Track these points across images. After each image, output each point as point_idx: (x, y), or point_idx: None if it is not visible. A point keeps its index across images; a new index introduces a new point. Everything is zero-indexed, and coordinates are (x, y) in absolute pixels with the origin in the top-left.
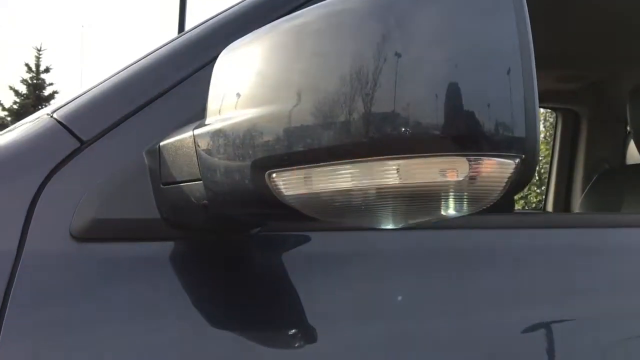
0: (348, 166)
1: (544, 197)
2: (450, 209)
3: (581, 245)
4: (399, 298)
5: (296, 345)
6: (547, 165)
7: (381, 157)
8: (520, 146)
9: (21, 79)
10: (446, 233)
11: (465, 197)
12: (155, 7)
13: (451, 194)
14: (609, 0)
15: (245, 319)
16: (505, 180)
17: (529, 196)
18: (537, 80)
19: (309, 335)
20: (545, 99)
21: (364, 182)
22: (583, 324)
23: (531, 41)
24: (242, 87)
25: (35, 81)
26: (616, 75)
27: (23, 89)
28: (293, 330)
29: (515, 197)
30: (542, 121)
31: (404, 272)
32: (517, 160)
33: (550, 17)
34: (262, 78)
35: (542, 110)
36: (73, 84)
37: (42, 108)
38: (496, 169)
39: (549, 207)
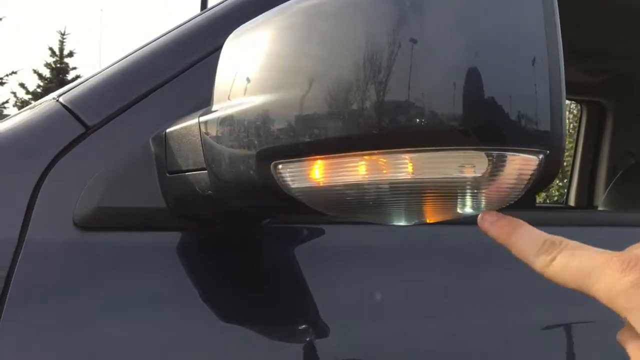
0: (358, 158)
1: (566, 190)
2: (467, 207)
3: (604, 244)
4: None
5: (307, 339)
6: (570, 158)
7: (394, 150)
8: (544, 141)
9: (45, 62)
10: (463, 228)
11: (483, 194)
12: None
13: (468, 191)
14: None
15: (252, 312)
16: (528, 177)
17: (551, 189)
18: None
19: (319, 329)
20: (570, 91)
21: (375, 176)
22: (603, 325)
23: (559, 29)
24: (250, 72)
25: (58, 65)
26: None
27: (47, 72)
28: (303, 325)
29: None
30: (567, 113)
31: (419, 266)
32: (541, 157)
33: (577, 8)
34: (270, 63)
35: (566, 102)
36: (94, 67)
37: None
38: (518, 165)
39: (572, 202)
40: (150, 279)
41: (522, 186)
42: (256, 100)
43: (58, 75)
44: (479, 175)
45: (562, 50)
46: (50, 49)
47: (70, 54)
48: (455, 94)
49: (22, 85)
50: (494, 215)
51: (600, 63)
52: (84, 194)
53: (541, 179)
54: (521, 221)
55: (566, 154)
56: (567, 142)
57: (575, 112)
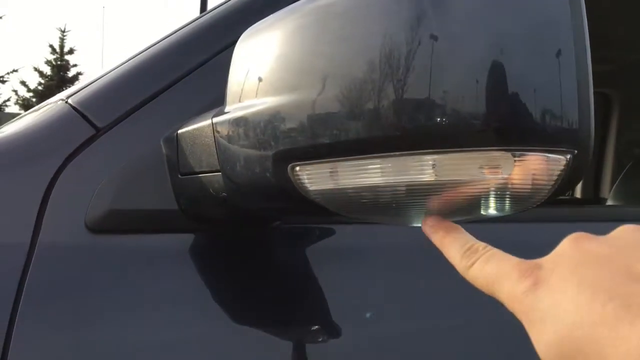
0: (379, 160)
1: None
2: (491, 209)
3: None
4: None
5: (319, 339)
6: None
7: (416, 152)
8: (572, 140)
9: (45, 60)
10: (475, 226)
11: (508, 196)
12: None
13: (492, 192)
14: None
15: (265, 313)
16: (555, 178)
17: None
18: None
19: (332, 329)
20: None
21: (396, 178)
22: None
23: (585, 20)
24: (264, 72)
25: (59, 62)
26: None
27: (47, 70)
28: (316, 325)
29: None
30: None
31: (433, 266)
32: (569, 156)
33: None
34: (285, 63)
35: None
36: (96, 64)
37: (66, 89)
38: (545, 165)
39: (578, 193)
40: (163, 281)
41: (550, 187)
42: (271, 100)
43: (59, 72)
44: (505, 176)
45: (588, 43)
46: (51, 46)
47: (71, 51)
48: (479, 91)
49: (23, 83)
50: (433, 219)
51: (604, 53)
52: (95, 197)
53: (569, 179)
54: (456, 226)
55: None
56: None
57: None
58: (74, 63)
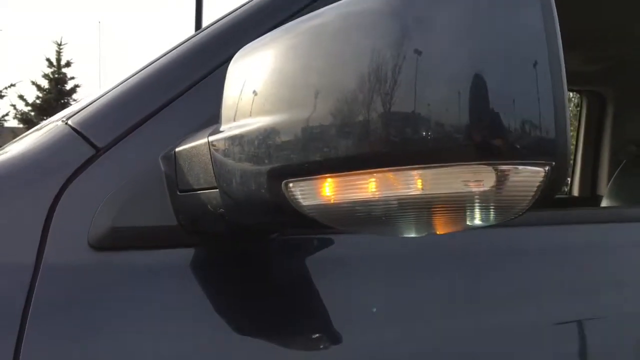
0: (368, 176)
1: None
2: (476, 219)
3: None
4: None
5: (320, 347)
6: (573, 147)
7: (403, 167)
8: (550, 152)
9: (43, 73)
10: (471, 233)
11: (492, 207)
12: (172, 6)
13: (477, 204)
14: None
15: (266, 325)
16: (535, 189)
17: None
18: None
19: (333, 339)
20: (569, 81)
21: (385, 193)
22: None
23: (559, 34)
24: (259, 89)
25: (56, 75)
26: None
27: (45, 83)
28: (317, 334)
29: None
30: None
31: (430, 274)
32: (547, 168)
33: None
34: (278, 80)
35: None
36: (93, 77)
37: (64, 102)
38: (525, 177)
39: (575, 191)
40: (165, 295)
41: (530, 197)
42: (265, 119)
43: (56, 85)
44: (487, 189)
45: (562, 56)
46: (48, 59)
47: (68, 64)
48: (461, 104)
49: (21, 97)
50: None
51: (598, 52)
52: (97, 215)
53: (549, 190)
54: None
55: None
56: (570, 131)
57: (576, 101)
58: (72, 75)
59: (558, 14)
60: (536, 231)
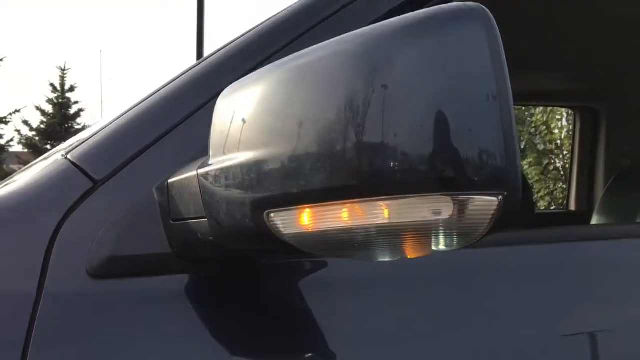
0: (340, 206)
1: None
2: (441, 244)
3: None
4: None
5: None
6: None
7: (370, 199)
8: (501, 183)
9: (47, 98)
10: (461, 254)
11: (454, 233)
12: (172, 35)
13: (440, 230)
14: None
15: (260, 347)
16: (490, 217)
17: (554, 192)
18: (552, 80)
19: (327, 358)
20: (562, 98)
21: (356, 222)
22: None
23: (506, 69)
24: (244, 126)
25: (60, 100)
26: (633, 72)
27: (49, 108)
28: (310, 355)
29: (542, 194)
30: (565, 116)
31: (423, 294)
32: (500, 198)
33: (564, 15)
34: (262, 117)
35: (561, 109)
36: (97, 100)
37: (68, 126)
38: (480, 207)
39: (572, 205)
40: (161, 320)
41: (486, 225)
42: (249, 154)
43: (60, 110)
44: (446, 217)
45: (510, 87)
46: (52, 84)
47: (72, 89)
48: (424, 134)
49: (25, 122)
50: None
51: (589, 69)
52: (95, 245)
53: (503, 217)
54: None
55: (568, 155)
56: (563, 148)
57: (566, 114)
58: (75, 100)
59: (550, 31)
60: (527, 250)
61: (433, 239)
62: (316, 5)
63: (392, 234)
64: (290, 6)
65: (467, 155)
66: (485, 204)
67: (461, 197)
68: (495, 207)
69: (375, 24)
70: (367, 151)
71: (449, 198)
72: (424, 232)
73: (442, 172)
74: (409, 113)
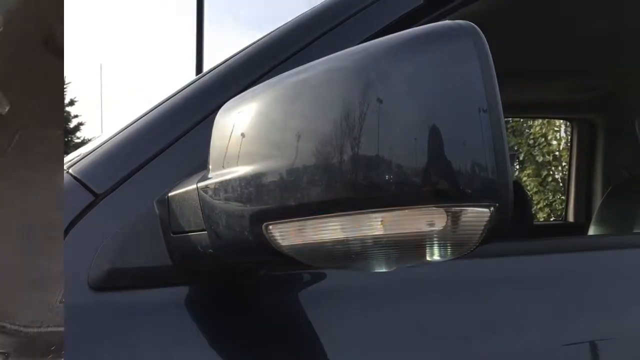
0: (336, 218)
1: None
2: (435, 255)
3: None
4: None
5: None
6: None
7: (366, 211)
8: (492, 195)
9: None
10: (464, 263)
11: (448, 243)
12: (172, 50)
13: (434, 241)
14: (621, 13)
15: (260, 358)
16: (482, 228)
17: (553, 204)
18: (550, 92)
19: None
20: (560, 110)
21: (352, 233)
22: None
23: (496, 83)
24: (243, 140)
25: None
26: (630, 84)
27: None
28: None
29: (541, 205)
30: (564, 127)
31: (422, 304)
32: (492, 209)
33: (563, 29)
34: (266, 122)
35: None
36: (96, 114)
37: (68, 140)
38: (473, 218)
39: (570, 216)
40: (162, 331)
41: (478, 236)
42: (248, 168)
43: None
44: (440, 228)
45: (500, 101)
46: None
47: (72, 103)
48: (418, 148)
49: None
50: None
51: (587, 82)
52: (96, 258)
53: (495, 228)
54: None
55: (563, 169)
56: (561, 159)
57: (564, 127)
58: (75, 114)
59: (550, 45)
60: (526, 260)
61: (428, 250)
62: (313, 21)
63: (387, 245)
64: (287, 22)
65: (460, 168)
66: (477, 215)
67: (454, 209)
68: (487, 218)
69: (369, 41)
70: (363, 164)
71: (442, 210)
72: (419, 242)
73: (436, 185)
74: (403, 127)
